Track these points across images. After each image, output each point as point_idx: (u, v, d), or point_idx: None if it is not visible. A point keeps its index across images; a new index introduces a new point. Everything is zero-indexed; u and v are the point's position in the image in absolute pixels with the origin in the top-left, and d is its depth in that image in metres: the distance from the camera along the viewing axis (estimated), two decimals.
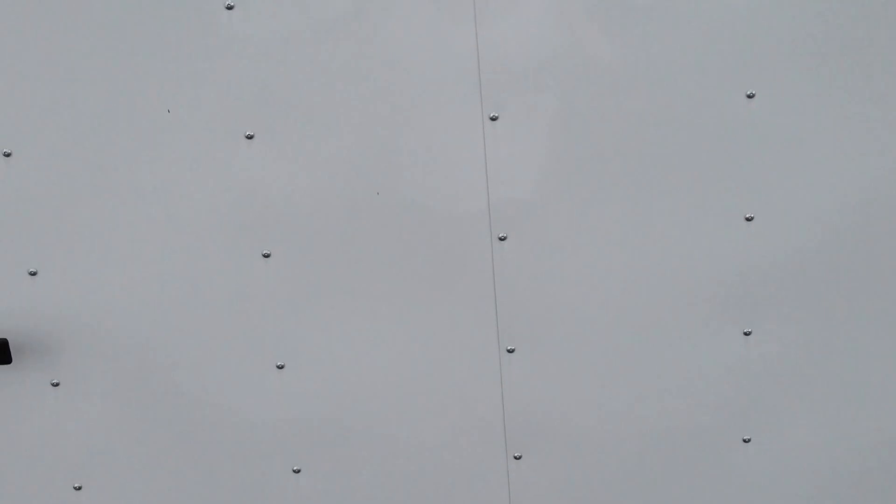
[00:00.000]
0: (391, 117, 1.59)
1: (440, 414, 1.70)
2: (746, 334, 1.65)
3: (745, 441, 1.69)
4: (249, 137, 1.60)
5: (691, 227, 1.61)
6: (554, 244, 1.63)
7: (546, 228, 1.62)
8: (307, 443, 1.72)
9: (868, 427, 1.69)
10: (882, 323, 1.64)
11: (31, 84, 1.59)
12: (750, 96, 1.57)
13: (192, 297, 1.66)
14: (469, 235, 1.63)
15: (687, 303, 1.63)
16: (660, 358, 1.67)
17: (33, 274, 1.65)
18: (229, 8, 1.57)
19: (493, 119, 1.58)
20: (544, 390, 1.69)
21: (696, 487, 1.73)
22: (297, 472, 1.74)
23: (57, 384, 1.71)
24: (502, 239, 1.62)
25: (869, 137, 1.58)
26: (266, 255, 1.64)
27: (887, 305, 1.64)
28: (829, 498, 1.73)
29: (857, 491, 1.74)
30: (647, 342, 1.66)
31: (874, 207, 1.61)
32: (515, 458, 1.72)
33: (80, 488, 1.75)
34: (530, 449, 1.72)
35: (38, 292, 1.67)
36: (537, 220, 1.62)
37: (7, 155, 1.61)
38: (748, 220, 1.60)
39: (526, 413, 1.70)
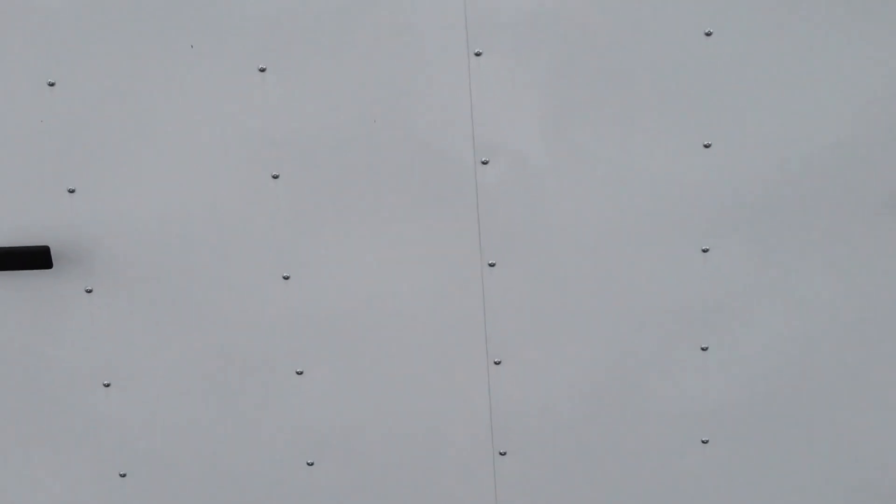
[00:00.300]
0: (389, 53, 1.79)
1: (425, 318, 1.89)
2: (705, 251, 1.83)
3: (702, 349, 1.87)
4: (262, 70, 1.81)
5: (656, 153, 1.80)
6: (532, 168, 1.82)
7: (525, 154, 1.81)
8: (309, 345, 1.92)
9: (817, 335, 1.87)
10: (832, 240, 1.81)
11: (72, 24, 1.82)
12: (708, 34, 1.75)
13: (210, 214, 1.87)
14: (455, 160, 1.82)
15: (651, 221, 1.82)
16: (627, 271, 1.85)
17: (72, 192, 1.87)
18: None
19: (478, 55, 1.78)
20: (523, 301, 1.88)
21: (655, 389, 1.91)
22: (300, 373, 1.94)
23: (90, 291, 1.92)
24: (485, 163, 1.82)
25: (821, 70, 1.76)
26: (275, 177, 1.84)
27: (837, 224, 1.81)
28: (780, 402, 1.90)
29: (808, 395, 1.90)
30: (616, 257, 1.84)
31: (826, 135, 1.78)
32: (496, 363, 1.90)
33: (108, 385, 1.96)
34: (509, 355, 1.90)
35: (76, 208, 1.89)
36: (516, 145, 1.81)
37: (51, 84, 1.84)
38: (706, 147, 1.78)
39: (506, 321, 1.89)
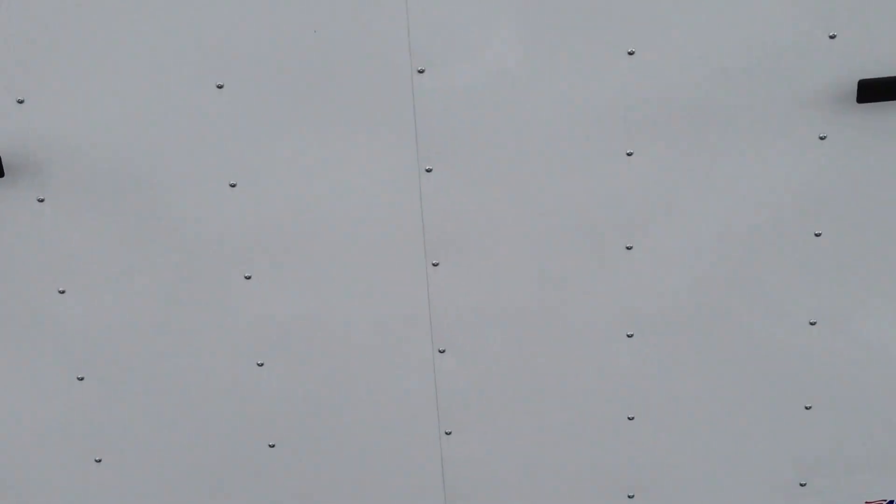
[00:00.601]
0: None
1: (366, 222, 1.99)
2: (629, 154, 1.94)
3: (627, 248, 1.99)
4: None
5: (581, 62, 1.89)
6: (467, 77, 1.90)
7: (460, 63, 1.89)
8: (257, 250, 2.01)
9: (740, 234, 1.98)
10: (752, 142, 1.92)
11: None
12: None
13: (158, 124, 1.94)
14: (392, 68, 1.90)
15: (578, 127, 1.92)
16: (557, 174, 1.95)
17: (21, 102, 1.93)
18: None
19: None
20: (459, 205, 1.98)
21: (584, 287, 2.02)
22: (249, 277, 2.03)
23: (42, 200, 1.99)
24: (421, 72, 1.90)
25: None
26: (220, 86, 1.91)
27: (758, 126, 1.91)
28: (703, 299, 2.03)
29: (731, 293, 2.04)
30: (546, 161, 1.94)
31: (746, 39, 1.87)
32: (434, 265, 2.01)
33: (63, 292, 2.04)
34: (446, 255, 2.01)
35: (27, 118, 1.94)
36: (452, 55, 1.89)
37: None
38: (630, 54, 1.88)
39: (443, 225, 1.99)
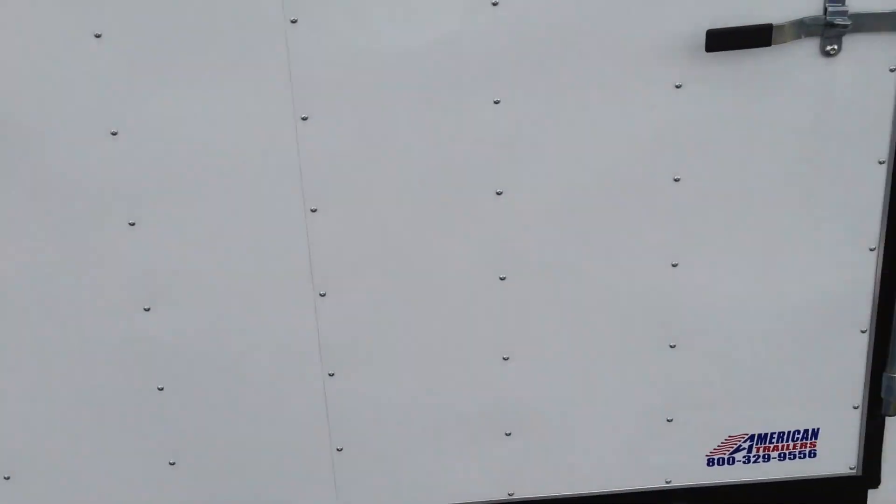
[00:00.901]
0: None
1: (245, 171, 2.04)
2: (496, 103, 2.02)
3: (497, 193, 2.07)
4: None
5: (444, 11, 1.95)
6: (341, 25, 1.96)
7: (332, 11, 1.95)
8: (140, 198, 2.06)
9: (601, 171, 2.06)
10: (610, 88, 2.00)
11: None
12: None
13: (36, 74, 1.97)
14: (265, 18, 1.95)
15: (445, 75, 1.99)
16: (425, 122, 2.01)
17: None
18: None
19: None
20: (335, 153, 2.04)
21: (454, 233, 2.09)
22: (133, 224, 2.08)
23: None
24: (293, 22, 1.96)
25: None
26: (97, 36, 1.95)
27: (616, 74, 1.99)
28: (568, 236, 2.10)
29: (593, 227, 2.11)
30: (416, 106, 2.00)
31: None
32: (312, 210, 2.08)
33: None
34: (324, 201, 2.07)
35: None
36: (325, 4, 1.94)
37: None
38: (494, 5, 1.96)
39: (320, 172, 2.05)
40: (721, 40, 1.91)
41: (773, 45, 1.94)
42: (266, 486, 2.31)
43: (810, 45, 1.98)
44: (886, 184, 2.10)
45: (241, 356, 2.20)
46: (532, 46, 1.99)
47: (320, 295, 2.15)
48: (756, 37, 1.90)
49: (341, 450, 2.29)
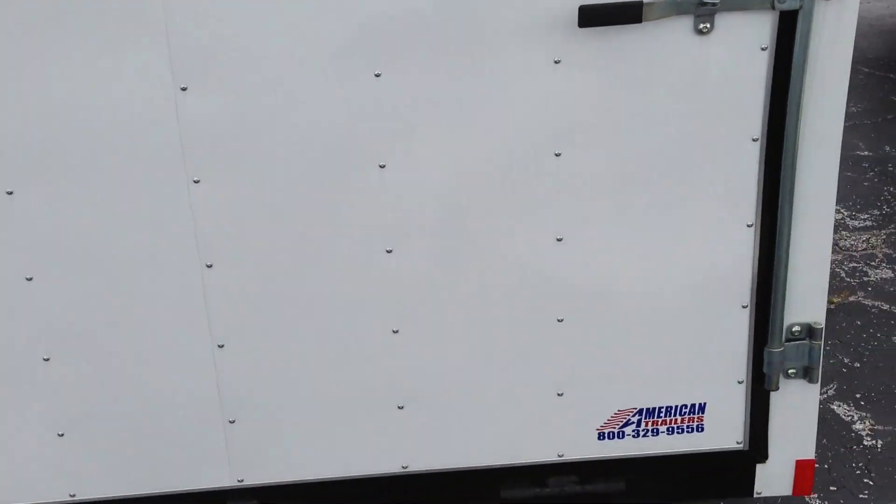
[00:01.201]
0: None
1: (124, 142, 2.04)
2: (377, 76, 2.04)
3: (381, 167, 2.10)
4: None
5: None
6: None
7: None
8: (18, 167, 2.06)
9: (484, 146, 2.08)
10: (490, 63, 2.03)
11: None
12: None
13: None
14: None
15: (327, 48, 2.01)
16: (308, 95, 2.03)
17: None
18: None
19: None
20: (217, 123, 2.05)
21: (338, 204, 2.11)
22: (11, 193, 2.07)
23: None
24: None
25: None
26: None
27: (496, 49, 2.02)
28: (453, 211, 2.13)
29: (477, 202, 2.14)
30: (297, 77, 2.02)
31: None
32: (195, 181, 2.09)
33: None
34: (206, 171, 2.08)
35: None
36: None
37: None
38: None
39: (201, 143, 2.06)
40: (593, 16, 1.96)
41: (646, 22, 2.00)
42: (157, 459, 2.32)
43: (685, 23, 2.02)
44: (760, 161, 2.15)
45: (128, 327, 2.21)
46: (413, 20, 2.02)
47: (207, 266, 2.16)
48: (627, 13, 1.95)
49: (233, 422, 2.31)
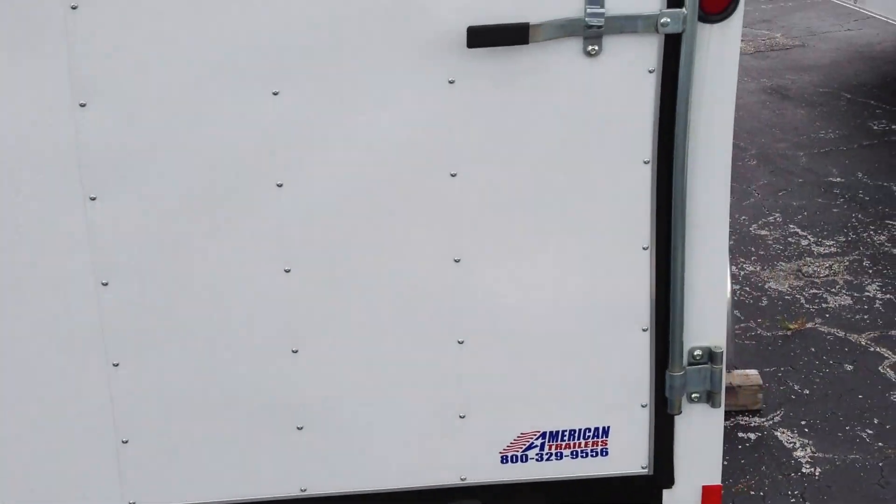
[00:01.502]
0: None
1: (21, 155, 2.06)
2: (275, 94, 2.04)
3: (278, 185, 2.10)
4: None
5: (228, 4, 1.99)
6: (121, 11, 1.99)
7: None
8: None
9: (380, 166, 2.09)
10: (386, 83, 2.04)
11: None
12: None
13: None
14: (46, 4, 1.98)
15: (226, 67, 2.02)
16: (207, 110, 2.04)
17: None
18: None
19: None
20: (117, 140, 2.07)
21: (237, 223, 2.11)
22: None
23: None
24: (74, 8, 1.99)
25: None
26: None
27: (391, 69, 2.03)
28: (350, 231, 2.12)
29: (375, 223, 2.13)
30: (197, 93, 2.04)
31: None
32: (91, 199, 2.09)
33: None
34: (105, 190, 2.09)
35: None
36: None
37: None
38: None
39: (100, 159, 2.08)
40: (481, 37, 1.97)
41: (537, 44, 2.00)
42: (47, 479, 2.30)
43: (574, 46, 2.04)
44: (653, 183, 2.15)
45: (21, 343, 2.21)
46: (310, 38, 2.03)
47: (102, 284, 2.17)
48: (514, 34, 1.96)
49: (126, 442, 2.31)
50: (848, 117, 7.07)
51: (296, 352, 2.25)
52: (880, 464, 3.47)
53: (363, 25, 2.04)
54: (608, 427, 2.37)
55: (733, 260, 4.99)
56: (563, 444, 2.38)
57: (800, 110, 7.20)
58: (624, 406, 2.35)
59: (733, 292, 4.58)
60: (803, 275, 4.84)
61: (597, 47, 2.03)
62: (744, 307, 4.53)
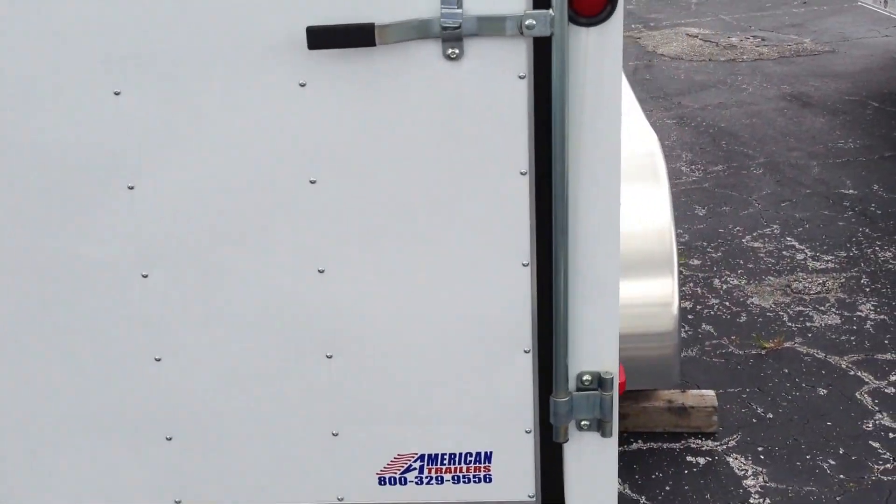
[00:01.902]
0: None
1: None
2: (117, 94, 1.94)
3: (129, 188, 2.00)
4: None
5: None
6: None
7: None
8: None
9: (234, 174, 1.99)
10: (234, 87, 1.93)
11: None
12: None
13: None
14: None
15: (69, 65, 1.92)
16: (50, 116, 1.96)
17: None
18: None
19: None
20: None
21: (92, 229, 2.02)
22: None
23: None
24: None
25: None
26: None
27: (238, 73, 1.91)
28: (208, 241, 2.03)
29: (232, 232, 2.02)
30: (42, 97, 1.95)
31: None
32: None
33: None
34: None
35: None
36: None
37: None
38: None
39: None
40: (322, 39, 1.83)
41: (393, 46, 1.87)
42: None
43: (432, 48, 1.90)
44: (531, 195, 2.01)
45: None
46: (155, 38, 1.91)
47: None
48: (358, 36, 1.82)
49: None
50: (872, 127, 6.78)
51: (159, 360, 2.16)
52: (838, 498, 3.26)
53: (211, 25, 1.90)
54: (490, 452, 2.23)
55: (717, 273, 4.79)
56: (444, 468, 2.25)
57: (820, 118, 6.93)
58: (506, 431, 2.20)
59: (691, 307, 4.39)
60: (792, 291, 4.62)
61: (457, 50, 1.89)
62: (719, 323, 4.33)
